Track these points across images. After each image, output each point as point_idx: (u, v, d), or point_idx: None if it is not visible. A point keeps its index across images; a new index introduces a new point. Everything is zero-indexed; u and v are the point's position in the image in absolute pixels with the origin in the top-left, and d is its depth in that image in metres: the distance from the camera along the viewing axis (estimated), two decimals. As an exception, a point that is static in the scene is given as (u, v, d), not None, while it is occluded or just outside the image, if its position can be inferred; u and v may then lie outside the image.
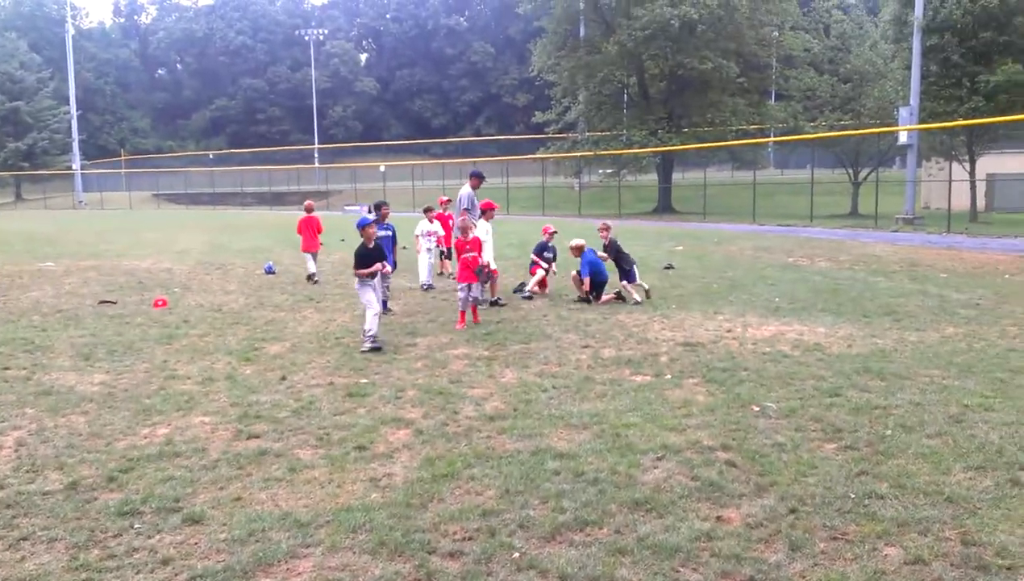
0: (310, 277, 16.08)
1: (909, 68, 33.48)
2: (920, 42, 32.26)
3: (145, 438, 6.29)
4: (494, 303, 12.69)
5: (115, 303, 13.40)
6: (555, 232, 14.59)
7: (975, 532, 4.44)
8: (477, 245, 11.51)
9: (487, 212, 13.09)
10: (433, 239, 15.50)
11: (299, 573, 4.15)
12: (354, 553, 4.31)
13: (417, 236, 15.60)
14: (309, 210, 17.22)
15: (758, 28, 46.31)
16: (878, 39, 42.41)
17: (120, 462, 5.75)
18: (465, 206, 13.05)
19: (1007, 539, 4.35)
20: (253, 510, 4.85)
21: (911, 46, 32.93)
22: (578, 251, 12.94)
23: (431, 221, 15.74)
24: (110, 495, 5.17)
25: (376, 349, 9.29)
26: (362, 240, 9.84)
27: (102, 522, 4.75)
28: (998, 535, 4.40)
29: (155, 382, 8.02)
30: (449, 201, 17.22)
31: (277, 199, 71.00)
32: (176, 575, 4.15)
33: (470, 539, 4.45)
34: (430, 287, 14.82)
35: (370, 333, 9.44)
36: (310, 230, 16.63)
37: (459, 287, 11.09)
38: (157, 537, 4.56)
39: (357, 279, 9.71)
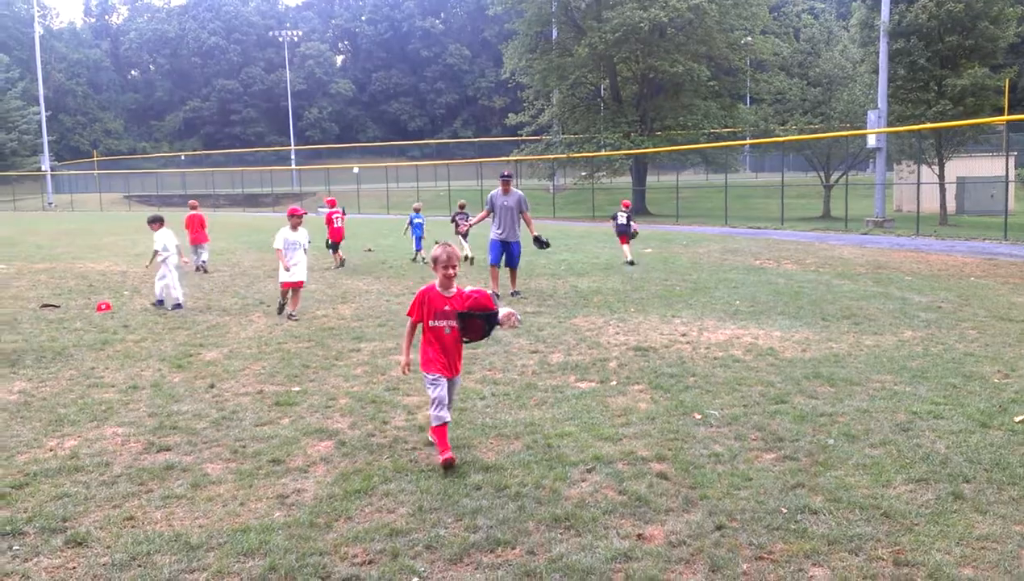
0: (199, 268, 17.72)
1: (877, 72, 33.53)
2: (887, 46, 32.31)
3: (50, 451, 5.92)
4: (291, 317, 11.56)
5: (58, 307, 12.95)
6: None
7: (909, 551, 4.17)
8: (476, 299, 5.79)
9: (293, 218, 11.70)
10: (169, 253, 12.89)
11: (179, 602, 3.80)
12: (240, 579, 3.98)
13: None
14: (193, 208, 19.18)
15: (728, 32, 46.32)
16: (847, 43, 42.55)
17: (16, 477, 5.38)
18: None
19: (942, 558, 4.08)
20: (143, 531, 4.50)
21: (879, 50, 32.99)
22: None
23: (155, 230, 13.08)
24: (-4, 513, 4.82)
25: None
26: None
27: (-22, 544, 4.38)
28: (933, 554, 4.13)
29: (76, 390, 7.63)
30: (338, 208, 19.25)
31: (250, 201, 70.34)
32: (43, 605, 3.81)
33: (370, 563, 4.12)
34: (160, 304, 12.76)
35: None
36: (195, 225, 18.44)
37: (429, 379, 5.70)
38: (34, 560, 4.20)
39: None
